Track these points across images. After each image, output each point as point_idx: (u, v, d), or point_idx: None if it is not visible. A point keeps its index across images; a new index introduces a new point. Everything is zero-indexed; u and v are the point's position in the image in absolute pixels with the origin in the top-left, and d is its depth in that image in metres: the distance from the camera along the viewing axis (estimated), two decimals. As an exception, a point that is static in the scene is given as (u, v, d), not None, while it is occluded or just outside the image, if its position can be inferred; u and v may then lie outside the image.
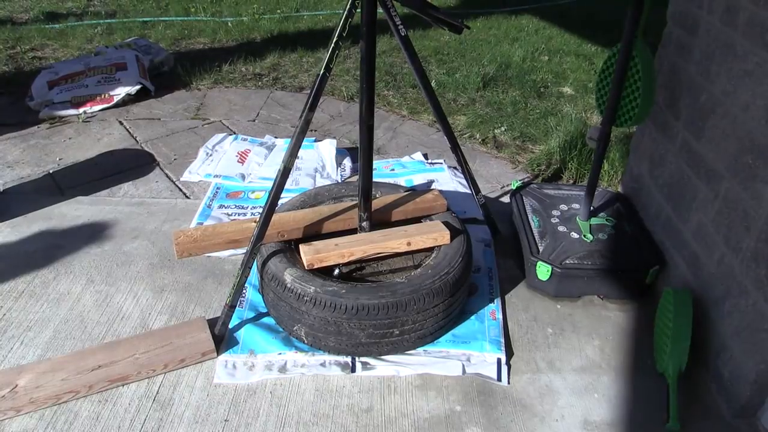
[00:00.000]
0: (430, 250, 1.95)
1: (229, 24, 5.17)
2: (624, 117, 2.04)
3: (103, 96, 3.46)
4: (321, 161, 2.83)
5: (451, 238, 1.92)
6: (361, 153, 1.77)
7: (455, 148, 2.08)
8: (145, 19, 5.24)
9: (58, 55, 4.38)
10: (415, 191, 2.19)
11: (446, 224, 1.97)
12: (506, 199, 2.71)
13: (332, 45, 1.58)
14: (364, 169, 1.80)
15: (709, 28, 1.95)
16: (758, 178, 1.67)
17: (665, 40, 2.24)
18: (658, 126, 2.26)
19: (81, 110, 3.39)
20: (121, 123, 3.32)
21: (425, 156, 3.02)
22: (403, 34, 1.68)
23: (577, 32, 5.41)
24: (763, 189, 1.65)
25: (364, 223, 1.93)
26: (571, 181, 2.89)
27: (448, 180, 2.75)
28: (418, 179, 2.78)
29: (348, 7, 1.54)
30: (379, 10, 1.59)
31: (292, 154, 1.70)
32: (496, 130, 3.33)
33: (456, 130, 3.33)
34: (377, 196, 2.13)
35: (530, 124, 3.45)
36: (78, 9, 5.53)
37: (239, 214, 2.48)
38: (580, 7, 6.33)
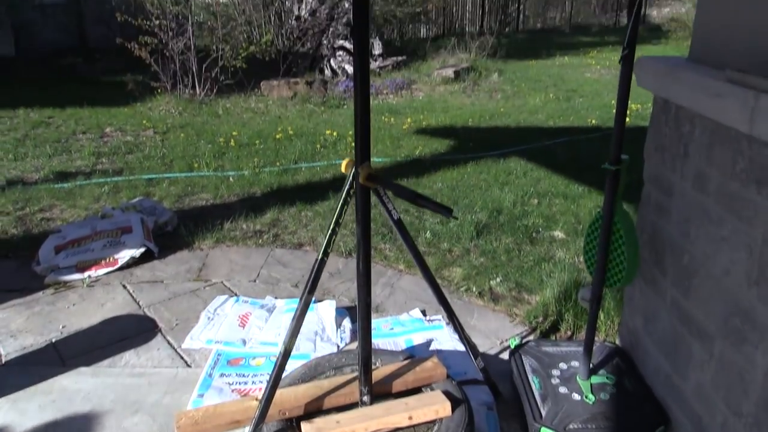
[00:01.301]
0: (432, 422, 1.94)
1: (231, 179, 5.41)
2: (613, 279, 2.11)
3: (107, 260, 3.57)
4: (321, 324, 2.87)
5: (453, 409, 1.92)
6: (360, 334, 1.82)
7: (451, 316, 2.13)
8: (150, 176, 5.49)
9: (66, 215, 4.54)
10: (415, 359, 2.21)
11: (447, 394, 1.97)
12: (506, 355, 2.72)
13: (329, 232, 1.68)
14: (363, 341, 1.84)
15: (683, 192, 2.08)
16: (748, 342, 1.70)
17: (645, 200, 2.36)
18: (648, 282, 2.33)
19: (86, 274, 3.48)
20: (124, 287, 3.39)
21: (423, 312, 3.07)
22: (395, 218, 1.79)
23: (563, 173, 5.66)
24: (754, 353, 1.68)
25: (365, 397, 1.94)
26: (569, 333, 2.91)
27: (447, 338, 2.78)
28: (418, 338, 2.81)
29: (343, 196, 1.66)
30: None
31: (293, 335, 1.75)
32: (491, 282, 3.40)
33: (452, 283, 3.40)
34: (377, 365, 2.15)
35: (525, 273, 3.53)
36: (87, 167, 5.80)
37: (241, 383, 2.48)
38: (565, 147, 6.66)
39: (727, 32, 1.93)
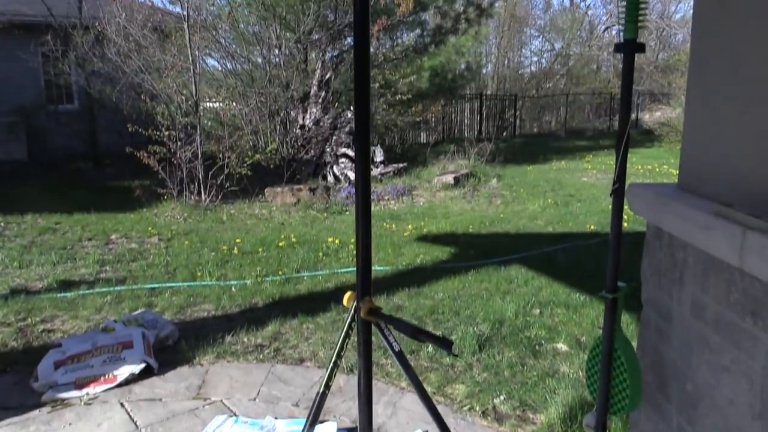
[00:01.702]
0: None
1: (233, 289, 5.44)
2: (617, 406, 2.09)
3: (107, 376, 3.53)
4: (322, 446, 2.81)
5: None
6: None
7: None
8: (153, 285, 5.52)
9: (67, 327, 4.53)
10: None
11: None
12: (511, 481, 2.64)
13: (331, 364, 1.69)
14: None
15: (681, 318, 2.10)
16: (760, 479, 1.67)
17: (645, 323, 2.38)
18: (653, 406, 2.30)
19: (84, 391, 3.43)
20: (122, 405, 3.34)
21: (426, 433, 3.00)
22: (396, 350, 1.81)
23: (564, 281, 5.68)
24: (766, 491, 1.64)
25: None
26: (576, 456, 2.84)
27: (450, 462, 2.70)
28: (420, 461, 2.74)
29: (345, 329, 1.68)
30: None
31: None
32: (495, 400, 3.35)
33: (455, 401, 3.35)
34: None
35: (529, 390, 3.48)
36: (90, 276, 5.84)
37: None
38: (565, 254, 6.72)
39: (712, 164, 2.03)
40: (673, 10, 31.28)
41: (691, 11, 2.37)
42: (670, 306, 2.17)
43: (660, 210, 2.15)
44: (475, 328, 4.43)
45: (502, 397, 3.38)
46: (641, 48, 2.18)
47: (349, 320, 1.65)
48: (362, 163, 1.72)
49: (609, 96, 26.75)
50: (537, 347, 4.16)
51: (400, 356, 1.80)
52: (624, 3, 2.24)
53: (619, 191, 1.99)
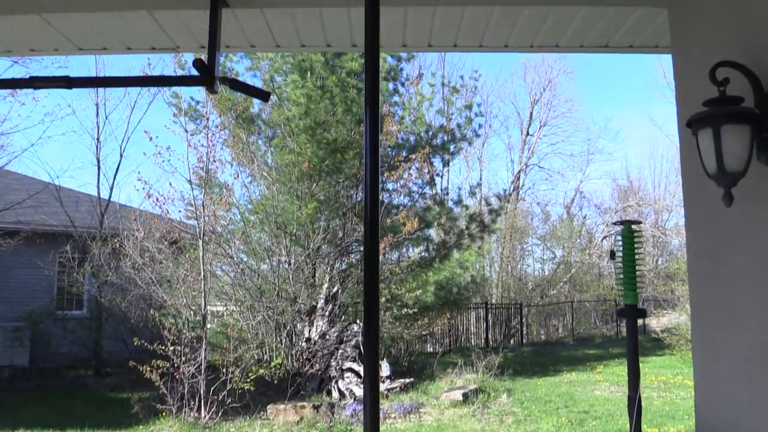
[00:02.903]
0: None
1: None
2: None
3: None
4: None
5: None
6: None
7: None
8: None
9: None
10: None
11: None
12: None
13: None
14: None
15: None
16: None
17: None
18: None
19: None
20: None
21: None
22: None
23: None
24: None
25: None
26: None
27: None
28: None
29: None
30: None
31: None
32: None
33: None
34: None
35: None
36: None
37: None
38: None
39: (725, 419, 1.98)
40: (666, 218, 32.63)
41: (683, 219, 2.50)
42: None
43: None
44: None
45: None
46: (643, 314, 2.26)
47: None
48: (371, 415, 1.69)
49: (614, 302, 26.93)
50: None
51: None
52: (620, 266, 2.37)
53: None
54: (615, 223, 2.27)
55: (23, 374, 12.70)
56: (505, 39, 2.99)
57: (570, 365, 16.15)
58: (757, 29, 2.14)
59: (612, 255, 2.33)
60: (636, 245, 2.33)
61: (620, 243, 2.33)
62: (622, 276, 2.37)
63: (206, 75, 2.30)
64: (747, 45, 2.18)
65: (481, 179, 26.67)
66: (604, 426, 9.27)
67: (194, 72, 2.37)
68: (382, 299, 11.77)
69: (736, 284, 2.21)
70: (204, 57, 2.44)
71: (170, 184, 14.39)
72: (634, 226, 2.34)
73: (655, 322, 26.73)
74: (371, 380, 1.75)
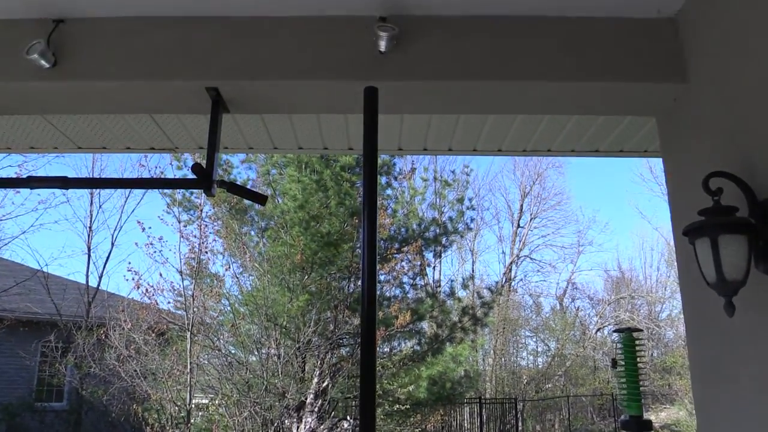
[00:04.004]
0: None
1: None
2: None
3: None
4: None
5: None
6: None
7: None
8: None
9: None
10: None
11: None
12: None
13: None
14: None
15: None
16: None
17: None
18: None
19: None
20: None
21: None
22: None
23: None
24: None
25: None
26: None
27: None
28: None
29: None
30: None
31: None
32: None
33: None
34: None
35: None
36: None
37: None
38: None
39: None
40: (659, 310, 32.40)
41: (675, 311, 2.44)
42: None
43: None
44: None
45: None
46: (648, 426, 2.17)
47: None
48: None
49: (611, 396, 26.29)
50: None
51: None
52: (622, 377, 2.30)
53: None
54: (615, 331, 2.23)
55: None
56: (499, 144, 3.05)
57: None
58: (746, 139, 2.19)
59: (614, 364, 2.28)
60: (638, 353, 2.28)
61: (621, 351, 2.27)
62: (624, 386, 2.30)
63: (204, 179, 2.31)
64: (735, 154, 2.23)
65: (473, 271, 26.63)
66: None
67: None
68: (374, 395, 11.42)
69: (742, 392, 2.15)
70: (201, 158, 2.46)
71: (161, 274, 14.31)
72: (635, 334, 2.30)
73: (654, 417, 26.03)
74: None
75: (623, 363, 2.32)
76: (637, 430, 2.17)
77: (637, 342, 2.35)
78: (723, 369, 2.26)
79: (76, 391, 13.53)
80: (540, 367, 27.60)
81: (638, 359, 2.31)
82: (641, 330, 2.21)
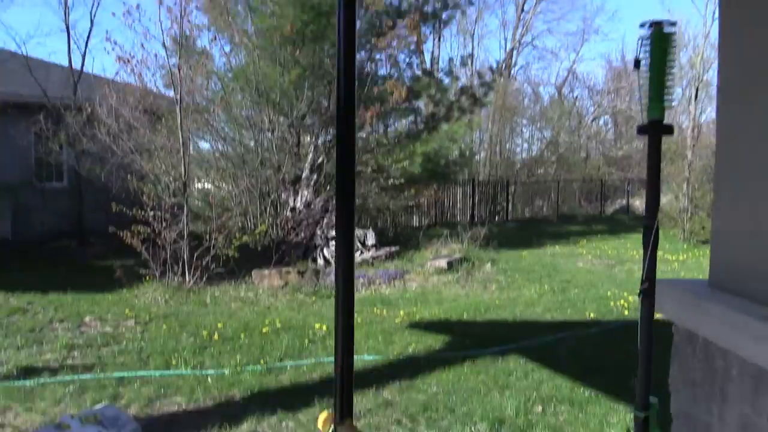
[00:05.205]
0: None
1: (209, 379, 5.01)
2: None
3: (52, 485, 3.08)
4: None
5: None
6: None
7: None
8: (121, 374, 5.09)
9: (19, 421, 4.10)
10: None
11: None
12: None
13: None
14: None
15: (725, 438, 1.76)
16: None
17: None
18: None
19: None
20: None
21: None
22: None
23: (566, 374, 5.30)
24: None
25: None
26: None
27: None
28: None
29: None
30: None
31: None
32: None
33: None
34: None
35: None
36: (56, 362, 5.41)
37: None
38: (565, 344, 6.35)
39: (752, 261, 1.74)
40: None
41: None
42: (710, 424, 1.83)
43: (695, 313, 1.84)
44: (473, 429, 4.02)
45: None
46: (669, 130, 1.92)
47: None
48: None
49: (600, 182, 26.98)
50: (542, 453, 3.75)
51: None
52: (646, 76, 2.02)
53: (649, 292, 1.69)
54: (642, 25, 1.88)
55: (6, 246, 12.53)
56: None
57: (554, 239, 16.31)
58: None
59: (636, 64, 1.95)
60: (669, 52, 1.93)
61: (647, 48, 1.93)
62: (646, 86, 2.00)
63: None
64: None
65: (473, 54, 25.63)
66: (585, 293, 9.39)
67: None
68: (368, 169, 11.51)
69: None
70: None
71: (143, 46, 13.45)
72: (667, 29, 1.94)
73: (639, 203, 26.99)
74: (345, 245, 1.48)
75: (648, 61, 2.00)
76: (656, 133, 1.92)
77: (670, 38, 1.99)
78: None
79: (74, 170, 13.61)
80: (534, 154, 27.96)
81: (668, 59, 1.97)
82: (675, 23, 1.87)
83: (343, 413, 1.35)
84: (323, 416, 1.37)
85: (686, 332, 1.93)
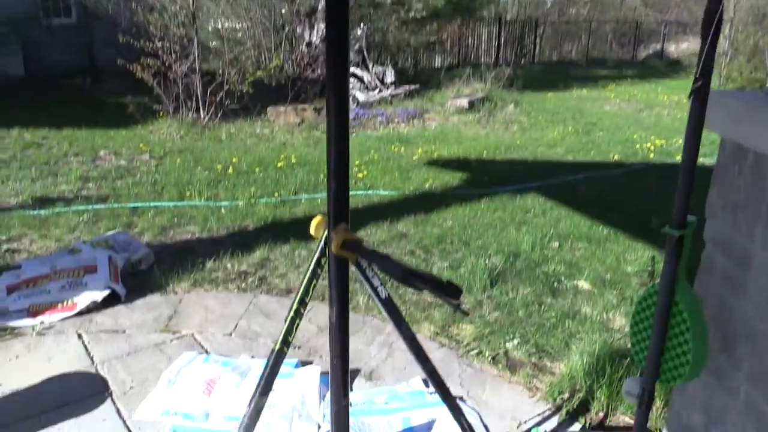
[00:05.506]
0: None
1: (223, 210, 4.97)
2: (671, 373, 1.62)
3: (65, 303, 3.11)
4: (301, 396, 2.38)
5: None
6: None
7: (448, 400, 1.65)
8: (135, 204, 5.06)
9: (35, 247, 4.10)
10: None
11: None
12: (525, 446, 2.22)
13: (291, 314, 1.22)
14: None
15: (765, 266, 1.59)
16: None
17: (706, 266, 1.87)
18: (711, 371, 1.83)
19: (38, 320, 3.02)
20: (79, 336, 2.92)
21: (425, 382, 2.57)
22: (383, 297, 1.32)
23: (586, 212, 5.18)
24: None
25: None
26: (602, 415, 2.41)
27: (450, 417, 2.28)
28: (417, 417, 2.32)
29: (312, 268, 1.20)
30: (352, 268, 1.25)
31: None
32: (507, 344, 2.91)
33: (461, 345, 2.90)
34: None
35: (546, 333, 3.03)
36: (70, 193, 5.39)
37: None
38: (587, 184, 6.18)
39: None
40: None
41: None
42: (749, 250, 1.66)
43: (748, 123, 1.59)
44: (487, 261, 3.97)
45: (515, 341, 2.94)
46: None
47: (317, 255, 1.18)
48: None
49: (635, 24, 25.37)
50: (556, 284, 3.70)
51: (387, 305, 1.33)
52: None
53: (701, 91, 1.44)
54: None
55: (20, 83, 12.26)
56: None
57: (581, 83, 15.64)
58: None
59: None
60: None
61: None
62: None
63: None
64: None
65: None
66: (611, 136, 9.07)
67: None
68: (388, 1, 10.76)
69: None
70: None
71: None
72: None
73: (674, 48, 25.59)
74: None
75: None
76: None
77: None
78: None
79: (81, 5, 13.01)
80: (567, -9, 26.09)
81: None
82: None
83: (338, 217, 1.19)
84: (316, 220, 1.21)
85: (734, 148, 1.70)
